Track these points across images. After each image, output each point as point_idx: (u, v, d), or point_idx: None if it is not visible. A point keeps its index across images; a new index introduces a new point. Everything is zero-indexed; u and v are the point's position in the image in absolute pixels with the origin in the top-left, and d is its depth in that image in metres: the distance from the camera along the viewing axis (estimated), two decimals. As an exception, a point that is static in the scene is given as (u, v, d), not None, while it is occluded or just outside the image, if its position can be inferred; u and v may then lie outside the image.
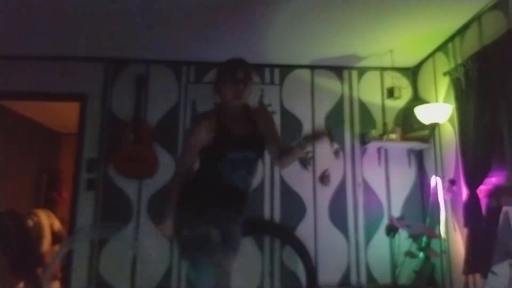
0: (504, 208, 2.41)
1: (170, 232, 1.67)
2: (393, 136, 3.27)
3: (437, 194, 3.00)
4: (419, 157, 3.42)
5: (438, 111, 2.92)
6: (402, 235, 3.04)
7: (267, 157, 3.31)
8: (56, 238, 3.71)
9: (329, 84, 3.53)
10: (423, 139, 3.22)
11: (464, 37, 2.82)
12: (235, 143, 1.67)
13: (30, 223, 3.50)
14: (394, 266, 3.18)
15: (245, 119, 1.75)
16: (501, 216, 2.41)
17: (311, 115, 3.47)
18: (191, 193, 1.68)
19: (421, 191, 3.35)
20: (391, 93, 3.34)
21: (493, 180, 2.54)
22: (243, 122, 1.73)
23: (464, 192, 2.67)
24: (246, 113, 1.77)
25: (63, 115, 4.34)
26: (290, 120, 3.44)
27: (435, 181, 3.05)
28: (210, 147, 1.67)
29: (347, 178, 3.38)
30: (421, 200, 3.33)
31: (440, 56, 3.15)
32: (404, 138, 3.29)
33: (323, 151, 3.40)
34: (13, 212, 3.47)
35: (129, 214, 3.21)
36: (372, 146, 3.37)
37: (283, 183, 3.34)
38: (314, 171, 3.36)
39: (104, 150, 3.29)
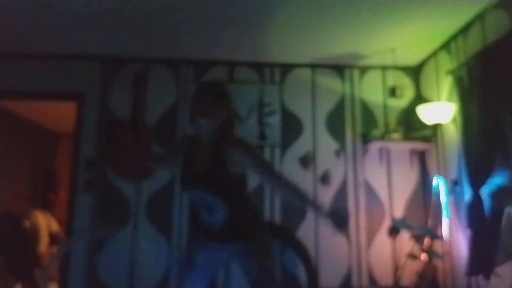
0: (507, 209, 2.38)
1: None
2: (395, 135, 3.24)
3: (439, 194, 2.97)
4: (421, 157, 3.39)
5: (441, 110, 2.89)
6: (404, 236, 3.01)
7: (267, 156, 3.33)
8: (53, 239, 3.67)
9: (330, 83, 3.50)
10: (426, 139, 3.19)
11: (467, 35, 2.79)
12: (193, 180, 1.57)
13: (27, 224, 3.47)
14: (396, 267, 3.15)
15: (214, 151, 1.56)
16: (504, 217, 2.39)
17: (312, 114, 3.44)
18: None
19: (423, 191, 3.32)
20: (393, 92, 3.32)
21: (496, 181, 2.51)
22: (209, 155, 1.56)
23: (467, 193, 2.65)
24: (219, 144, 1.57)
25: (59, 114, 4.29)
26: (291, 120, 3.41)
27: (437, 182, 3.02)
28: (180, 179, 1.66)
29: (348, 179, 3.35)
30: (423, 201, 3.30)
31: (443, 55, 3.12)
32: (406, 138, 3.26)
33: (324, 151, 3.37)
34: (9, 213, 3.43)
35: (127, 215, 3.17)
36: (374, 146, 3.34)
37: (284, 183, 3.30)
38: (314, 171, 3.33)
39: (101, 150, 3.25)
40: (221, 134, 1.58)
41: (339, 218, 1.56)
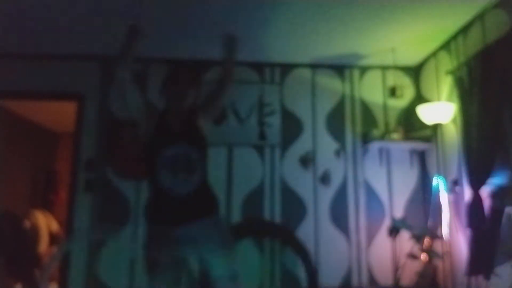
0: (507, 209, 2.38)
1: None
2: (395, 135, 3.24)
3: (439, 194, 2.97)
4: (421, 157, 3.39)
5: (441, 110, 2.89)
6: (404, 236, 3.01)
7: (267, 156, 3.34)
8: (53, 239, 3.68)
9: (330, 83, 3.50)
10: (426, 139, 3.19)
11: (467, 35, 2.79)
12: (172, 137, 1.66)
13: (27, 224, 3.47)
14: (396, 267, 3.15)
15: (188, 119, 1.74)
16: (504, 217, 2.39)
17: (312, 114, 3.44)
18: (145, 213, 1.71)
19: (423, 191, 3.32)
20: (393, 92, 3.31)
21: (496, 181, 2.51)
22: (185, 121, 1.73)
23: (467, 193, 2.65)
24: (190, 115, 1.75)
25: (59, 114, 4.30)
26: (291, 120, 3.41)
27: (437, 182, 3.02)
28: (148, 146, 1.68)
29: (348, 179, 3.35)
30: (423, 201, 3.30)
31: (443, 55, 3.12)
32: (406, 138, 3.26)
33: (324, 151, 3.37)
34: (10, 213, 3.43)
35: (127, 215, 3.17)
36: (374, 146, 3.34)
37: (283, 183, 3.31)
38: (314, 171, 3.33)
39: (101, 150, 3.25)
40: (193, 110, 1.75)
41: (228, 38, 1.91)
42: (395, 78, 3.45)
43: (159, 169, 1.61)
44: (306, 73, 3.50)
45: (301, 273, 3.12)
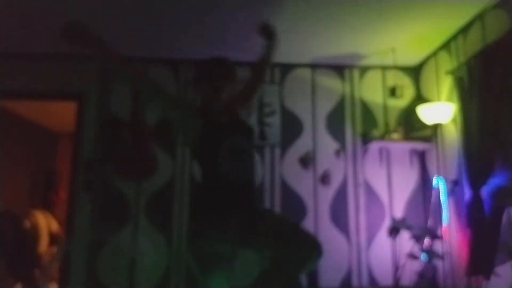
0: (507, 209, 2.38)
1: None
2: (395, 135, 3.24)
3: (439, 194, 2.97)
4: (421, 157, 3.39)
5: (441, 110, 2.89)
6: (404, 236, 3.01)
7: (267, 156, 3.34)
8: (53, 239, 3.67)
9: (330, 83, 3.50)
10: (426, 139, 3.20)
11: (467, 35, 2.79)
12: (229, 128, 1.65)
13: (27, 224, 3.47)
14: (396, 268, 3.15)
15: (230, 113, 1.75)
16: (504, 217, 2.39)
17: (311, 114, 3.44)
18: (199, 204, 1.62)
19: (423, 191, 3.32)
20: (393, 92, 3.31)
21: (496, 181, 2.51)
22: (227, 114, 1.74)
23: (467, 193, 2.65)
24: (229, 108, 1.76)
25: (60, 115, 4.30)
26: (291, 120, 3.41)
27: (437, 182, 3.02)
28: (204, 136, 1.62)
29: (348, 179, 3.35)
30: (423, 201, 3.31)
31: (443, 55, 3.12)
32: (406, 138, 3.25)
33: (324, 151, 3.37)
34: (10, 213, 3.43)
35: (127, 215, 3.17)
36: (374, 146, 3.34)
37: (283, 183, 3.31)
38: (314, 171, 3.33)
39: (101, 150, 3.25)
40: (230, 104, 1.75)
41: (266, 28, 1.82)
42: (395, 78, 3.45)
43: (220, 159, 1.58)
44: (306, 73, 3.50)
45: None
